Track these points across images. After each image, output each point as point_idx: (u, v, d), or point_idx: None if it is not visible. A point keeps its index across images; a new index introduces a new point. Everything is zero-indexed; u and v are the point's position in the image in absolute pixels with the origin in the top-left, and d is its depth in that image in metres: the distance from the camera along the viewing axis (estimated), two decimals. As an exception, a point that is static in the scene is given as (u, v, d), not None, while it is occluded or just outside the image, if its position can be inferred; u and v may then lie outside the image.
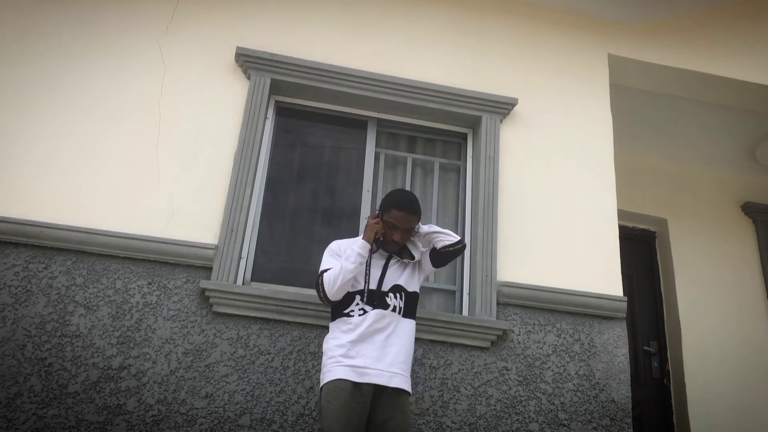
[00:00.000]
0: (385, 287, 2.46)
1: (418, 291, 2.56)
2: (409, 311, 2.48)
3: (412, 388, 2.49)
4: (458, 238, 2.56)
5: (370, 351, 2.33)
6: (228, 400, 2.67)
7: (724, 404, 4.16)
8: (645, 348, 4.44)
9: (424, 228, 2.59)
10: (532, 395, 2.91)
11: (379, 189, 3.35)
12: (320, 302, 2.54)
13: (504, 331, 2.97)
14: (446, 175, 3.50)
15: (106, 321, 2.71)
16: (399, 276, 2.51)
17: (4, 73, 3.08)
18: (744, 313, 4.49)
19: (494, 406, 2.86)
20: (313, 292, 2.84)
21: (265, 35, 3.37)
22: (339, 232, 3.20)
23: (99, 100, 3.09)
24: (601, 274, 3.18)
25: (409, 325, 2.47)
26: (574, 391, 2.95)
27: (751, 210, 4.82)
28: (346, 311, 2.42)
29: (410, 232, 2.53)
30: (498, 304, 3.03)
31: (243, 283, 2.95)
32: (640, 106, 4.18)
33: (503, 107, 3.42)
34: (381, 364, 2.33)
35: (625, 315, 3.14)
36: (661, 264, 4.71)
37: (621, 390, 2.99)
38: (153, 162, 3.01)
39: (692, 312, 4.40)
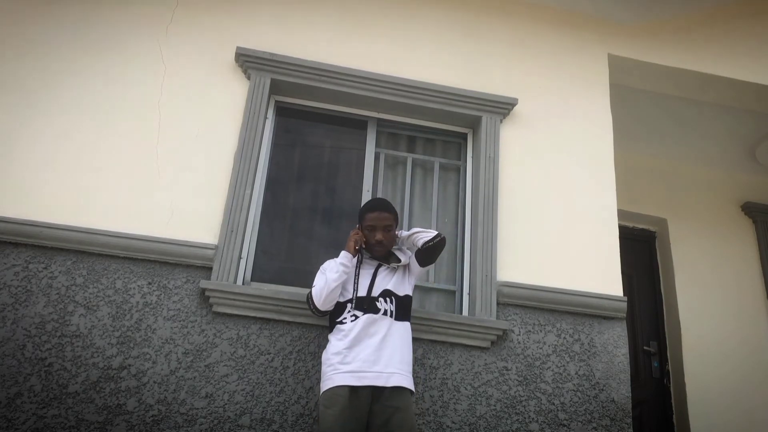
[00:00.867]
0: (375, 293, 2.53)
1: (410, 294, 2.63)
2: (402, 314, 2.54)
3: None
4: (435, 232, 2.65)
5: (365, 354, 2.38)
6: (228, 400, 2.67)
7: (724, 404, 4.16)
8: (645, 348, 4.44)
9: (405, 233, 2.71)
10: (532, 395, 2.91)
11: (379, 189, 3.35)
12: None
13: (504, 331, 2.97)
14: (446, 175, 3.50)
15: (106, 321, 2.71)
16: (389, 281, 2.59)
17: (4, 73, 3.08)
18: (744, 313, 4.49)
19: (494, 406, 2.86)
20: (313, 292, 2.89)
21: (265, 35, 3.37)
22: (339, 232, 3.21)
23: (99, 100, 3.09)
24: (601, 274, 3.18)
25: (403, 327, 2.53)
26: (574, 391, 2.95)
27: (751, 210, 4.82)
28: (339, 319, 2.51)
29: (389, 229, 2.63)
30: (498, 304, 3.03)
31: (243, 283, 2.95)
32: (640, 106, 4.18)
33: (503, 107, 3.42)
34: (377, 366, 2.37)
35: (625, 315, 3.14)
36: (661, 264, 4.71)
37: (621, 390, 2.99)
38: (153, 162, 3.01)
39: (692, 312, 4.40)
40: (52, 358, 2.62)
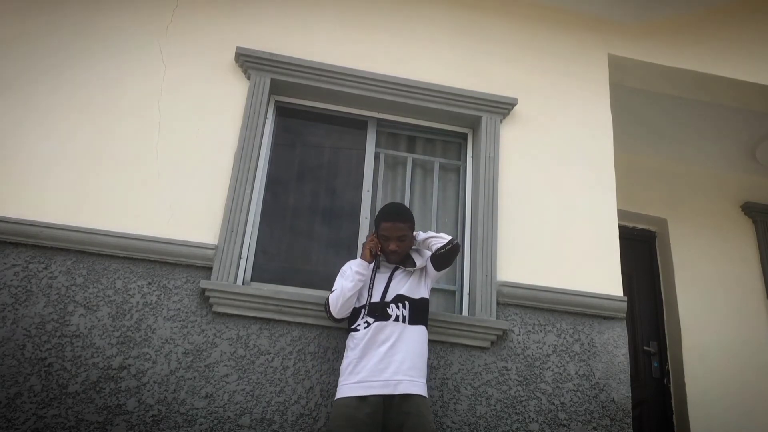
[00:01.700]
0: (388, 298, 2.55)
1: (426, 297, 2.64)
2: (416, 318, 2.55)
3: None
4: (449, 238, 2.64)
5: (372, 364, 2.41)
6: (228, 400, 2.67)
7: (724, 404, 4.16)
8: (645, 348, 4.44)
9: (422, 235, 2.70)
10: (532, 395, 2.91)
11: (379, 189, 3.35)
12: (320, 303, 2.66)
13: (504, 331, 2.97)
14: (446, 175, 3.50)
15: (106, 321, 2.71)
16: (403, 285, 2.60)
17: (4, 73, 3.07)
18: (744, 313, 4.49)
19: (494, 406, 2.86)
20: (312, 291, 2.92)
21: (265, 35, 3.37)
22: (339, 233, 3.21)
23: (99, 100, 3.09)
24: (600, 274, 3.18)
25: (417, 331, 2.53)
26: (574, 391, 2.95)
27: (751, 210, 4.82)
28: (353, 326, 2.55)
29: (404, 239, 2.62)
30: (498, 304, 3.03)
31: (243, 283, 2.95)
32: (640, 106, 4.18)
33: (503, 107, 3.42)
34: (385, 374, 2.40)
35: (625, 315, 3.14)
36: (661, 264, 4.71)
37: (621, 390, 2.99)
38: (153, 162, 3.01)
39: (692, 312, 4.40)
40: (52, 358, 2.62)
